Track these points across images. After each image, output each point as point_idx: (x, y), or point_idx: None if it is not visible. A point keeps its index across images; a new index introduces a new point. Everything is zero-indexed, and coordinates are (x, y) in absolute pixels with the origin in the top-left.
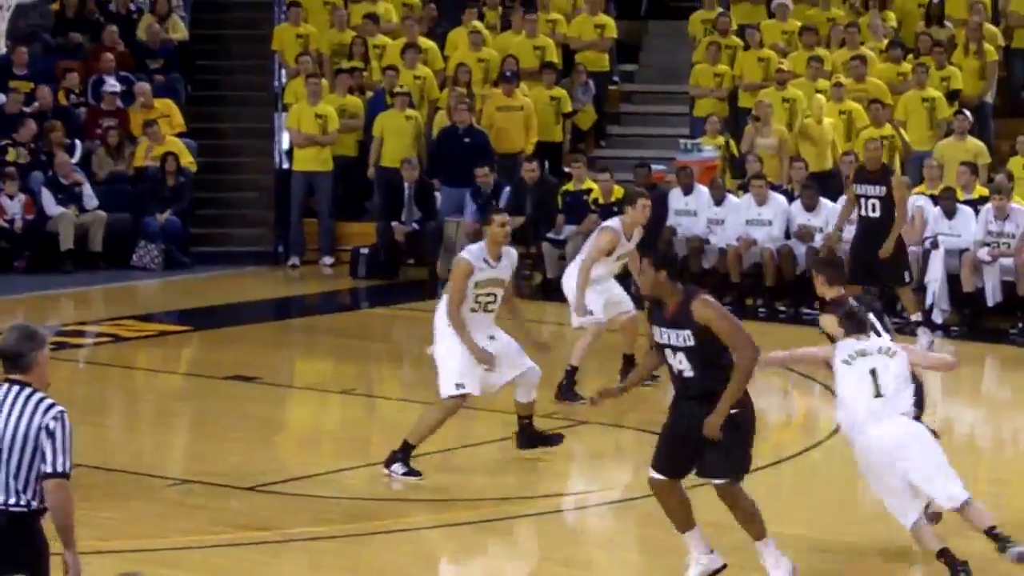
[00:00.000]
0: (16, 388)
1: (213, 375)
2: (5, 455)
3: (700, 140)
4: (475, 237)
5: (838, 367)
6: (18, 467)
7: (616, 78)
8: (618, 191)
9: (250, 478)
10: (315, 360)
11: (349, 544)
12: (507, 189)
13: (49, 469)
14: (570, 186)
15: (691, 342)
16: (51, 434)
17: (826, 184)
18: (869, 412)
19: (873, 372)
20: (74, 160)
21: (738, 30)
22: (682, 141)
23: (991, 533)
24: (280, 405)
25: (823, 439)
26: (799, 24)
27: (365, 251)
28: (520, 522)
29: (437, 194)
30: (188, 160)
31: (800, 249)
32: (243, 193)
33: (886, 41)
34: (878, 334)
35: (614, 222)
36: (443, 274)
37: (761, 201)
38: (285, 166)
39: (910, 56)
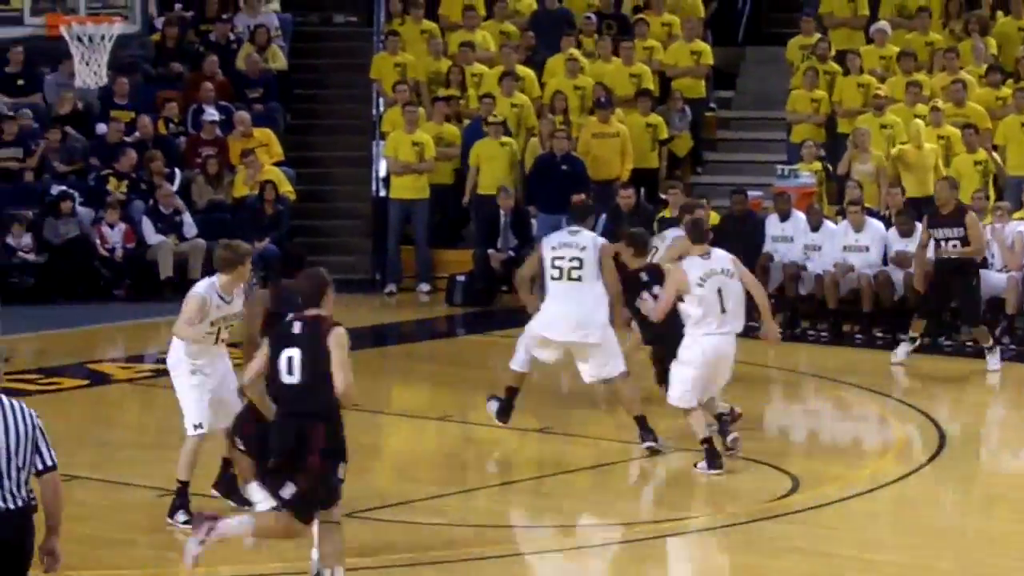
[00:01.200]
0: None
1: None
2: (12, 457)
3: (797, 166)
4: None
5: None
6: (25, 467)
7: (712, 104)
8: (714, 217)
9: (347, 505)
10: (411, 387)
11: (446, 571)
12: (603, 216)
13: (47, 462)
14: (666, 213)
15: None
16: (42, 432)
17: (924, 210)
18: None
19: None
20: (174, 189)
21: (836, 55)
22: (779, 167)
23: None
24: (377, 432)
25: (920, 466)
26: (897, 49)
27: (462, 278)
28: (615, 548)
29: (533, 221)
30: (287, 188)
31: (897, 275)
32: (340, 221)
33: (985, 66)
34: None
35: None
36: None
37: (858, 227)
38: (382, 194)
39: (1009, 81)
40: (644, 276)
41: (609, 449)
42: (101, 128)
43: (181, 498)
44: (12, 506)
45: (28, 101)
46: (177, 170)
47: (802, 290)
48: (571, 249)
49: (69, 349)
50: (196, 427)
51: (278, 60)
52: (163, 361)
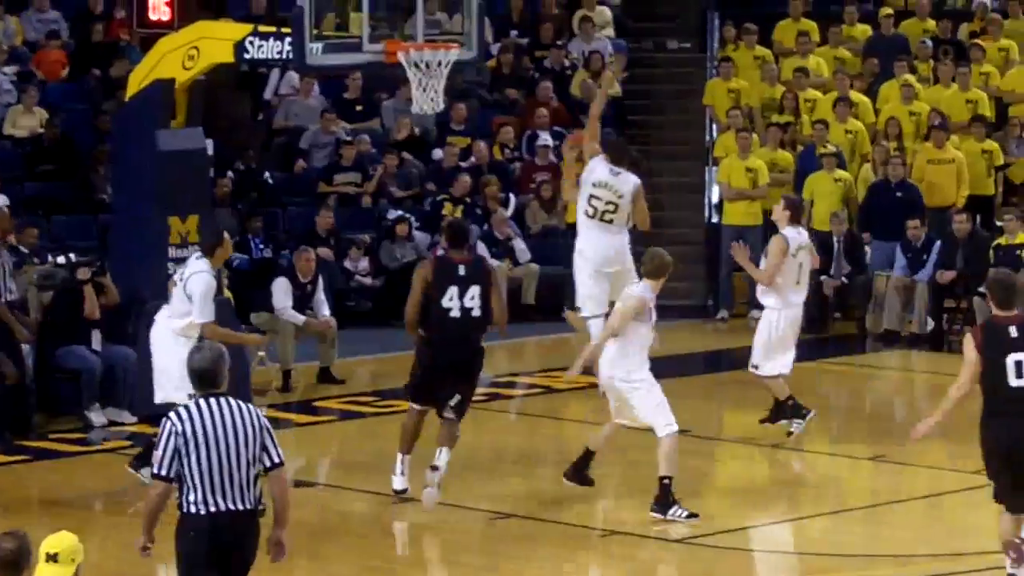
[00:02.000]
0: (217, 400)
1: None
2: (237, 463)
3: None
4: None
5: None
6: (249, 470)
7: None
8: None
9: (679, 531)
10: (744, 413)
11: None
12: (938, 243)
13: (275, 460)
14: (1003, 240)
15: None
16: (269, 431)
17: None
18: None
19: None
20: (508, 214)
21: None
22: None
23: None
24: (709, 458)
25: None
26: None
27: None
28: None
29: (867, 248)
30: None
31: None
32: (673, 247)
33: None
34: None
35: None
36: (874, 328)
37: None
38: (715, 220)
39: None
40: None
41: (943, 478)
42: (437, 153)
43: None
44: (241, 507)
45: (366, 127)
46: (511, 195)
47: None
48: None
49: (406, 372)
50: None
51: (612, 86)
52: (496, 384)
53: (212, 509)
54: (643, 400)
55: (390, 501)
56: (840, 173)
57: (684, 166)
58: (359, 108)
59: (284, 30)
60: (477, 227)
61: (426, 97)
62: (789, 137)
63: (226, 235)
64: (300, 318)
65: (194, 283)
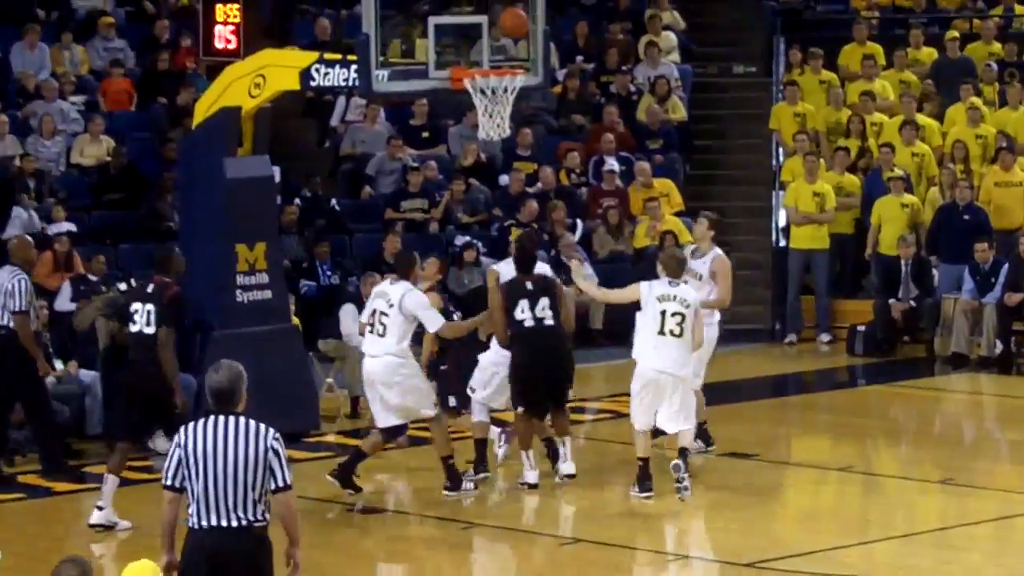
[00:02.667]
0: (233, 419)
1: (715, 451)
2: (235, 479)
3: None
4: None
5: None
6: (250, 488)
7: None
8: None
9: (748, 554)
10: (812, 437)
11: None
12: (1006, 266)
13: (279, 483)
14: None
15: None
16: (276, 453)
17: None
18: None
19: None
20: (575, 239)
21: None
22: None
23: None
24: (778, 481)
25: None
26: None
27: (862, 328)
28: None
29: (935, 271)
30: (687, 239)
31: None
32: (740, 271)
33: None
34: None
35: None
36: (942, 351)
37: None
38: (782, 244)
39: None
40: None
41: (1014, 501)
42: (504, 179)
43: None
44: (235, 524)
45: (433, 153)
46: (579, 220)
47: None
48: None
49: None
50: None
51: (678, 111)
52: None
53: (205, 524)
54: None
55: (459, 527)
56: (907, 197)
57: (750, 190)
58: (425, 135)
59: (350, 57)
60: (544, 252)
61: (492, 123)
62: (864, 163)
63: (416, 255)
64: None
65: (410, 301)
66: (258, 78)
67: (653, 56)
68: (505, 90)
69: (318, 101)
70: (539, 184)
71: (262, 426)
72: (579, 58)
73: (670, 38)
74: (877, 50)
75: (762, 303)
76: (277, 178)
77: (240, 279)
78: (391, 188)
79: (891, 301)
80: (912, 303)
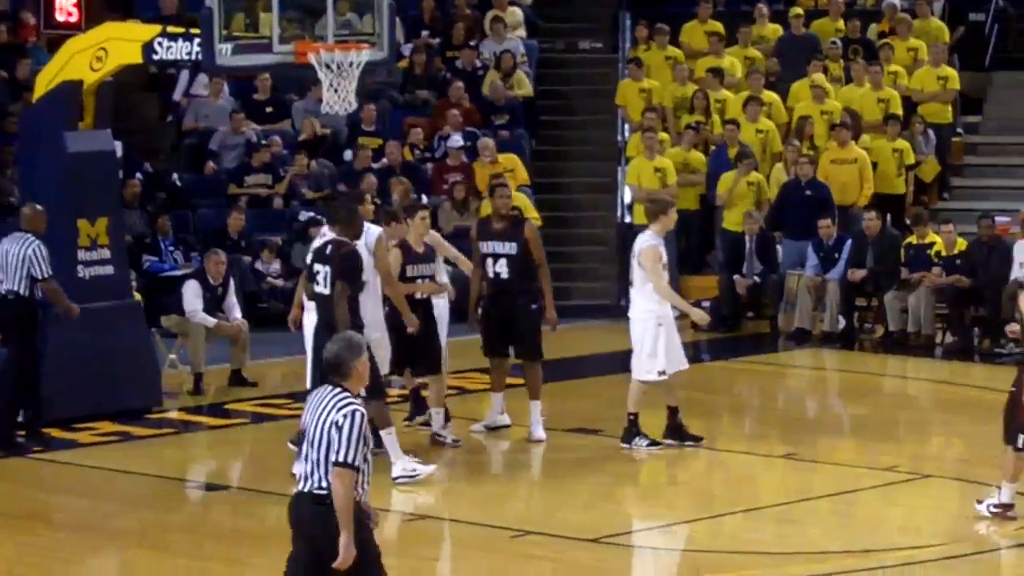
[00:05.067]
0: (329, 388)
1: (557, 427)
2: (312, 445)
3: None
4: None
5: None
6: (319, 456)
7: (959, 130)
8: (961, 243)
9: (594, 530)
10: (657, 413)
11: None
12: (848, 242)
13: (333, 457)
14: (913, 239)
15: None
16: (339, 428)
17: None
18: None
19: None
20: None
21: None
22: None
23: None
24: (625, 458)
25: None
26: None
27: (707, 304)
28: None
29: (779, 247)
30: (533, 215)
31: None
32: (585, 247)
33: None
34: None
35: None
36: (785, 326)
37: None
38: (627, 220)
39: None
40: None
41: (855, 475)
42: (348, 154)
43: None
44: (303, 489)
45: (277, 128)
46: (424, 196)
47: None
48: None
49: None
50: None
51: (524, 87)
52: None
53: (296, 488)
54: None
55: None
56: (754, 176)
57: (596, 166)
58: (269, 109)
59: (193, 31)
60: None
61: (337, 98)
62: (701, 138)
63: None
64: (211, 321)
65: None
66: (100, 51)
67: (499, 31)
68: (350, 65)
69: (161, 75)
70: (384, 159)
71: (343, 400)
72: (425, 33)
73: (516, 13)
74: (718, 27)
75: (608, 279)
76: (119, 153)
77: (81, 254)
78: (234, 163)
79: (735, 277)
80: (756, 279)
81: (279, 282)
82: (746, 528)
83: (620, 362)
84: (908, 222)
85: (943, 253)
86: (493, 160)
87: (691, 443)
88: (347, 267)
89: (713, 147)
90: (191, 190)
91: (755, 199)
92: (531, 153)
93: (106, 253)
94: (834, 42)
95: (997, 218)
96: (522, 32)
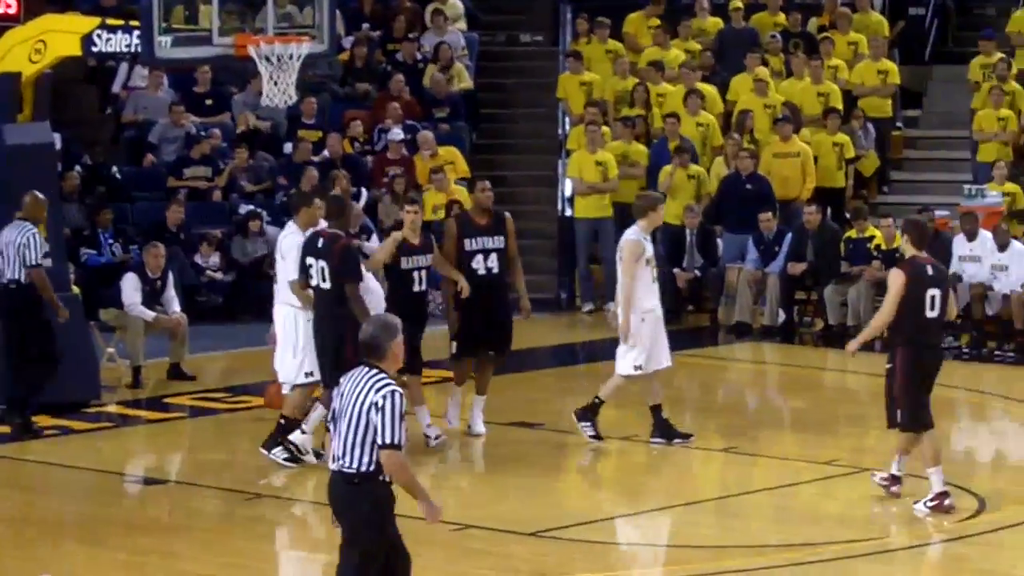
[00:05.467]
0: (365, 370)
1: (498, 421)
2: (346, 425)
3: (985, 186)
4: None
5: None
6: (355, 437)
7: (899, 124)
8: (899, 238)
9: (534, 524)
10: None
11: None
12: (789, 235)
13: (380, 440)
14: (853, 232)
15: None
16: (379, 409)
17: None
18: None
19: None
20: (360, 207)
21: (1017, 74)
22: (966, 187)
23: None
24: (563, 451)
25: None
26: None
27: None
28: (801, 569)
29: (719, 240)
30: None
31: None
32: (526, 240)
33: None
34: None
35: None
36: (726, 320)
37: None
38: (568, 213)
39: None
40: None
41: (794, 469)
42: (288, 147)
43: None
44: (336, 469)
45: (217, 120)
46: (364, 189)
47: (989, 311)
48: None
49: (256, 368)
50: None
51: (464, 79)
52: None
53: (332, 467)
54: None
55: (241, 498)
56: (694, 169)
57: (537, 159)
58: (209, 102)
59: (132, 23)
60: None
61: (277, 91)
62: (641, 131)
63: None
64: (150, 314)
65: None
66: (39, 43)
67: (439, 24)
68: (290, 57)
69: (100, 67)
70: (325, 152)
71: (380, 382)
72: (365, 25)
73: (456, 6)
74: (657, 20)
75: (549, 272)
76: (58, 145)
77: None
78: (174, 156)
79: (676, 270)
80: (697, 272)
81: (218, 275)
82: (686, 522)
83: (559, 356)
84: (848, 216)
85: (882, 247)
86: (433, 153)
87: (680, 440)
88: (347, 265)
89: (655, 140)
90: (130, 183)
91: (695, 192)
92: (471, 146)
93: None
94: (773, 35)
95: (936, 212)
96: (462, 25)
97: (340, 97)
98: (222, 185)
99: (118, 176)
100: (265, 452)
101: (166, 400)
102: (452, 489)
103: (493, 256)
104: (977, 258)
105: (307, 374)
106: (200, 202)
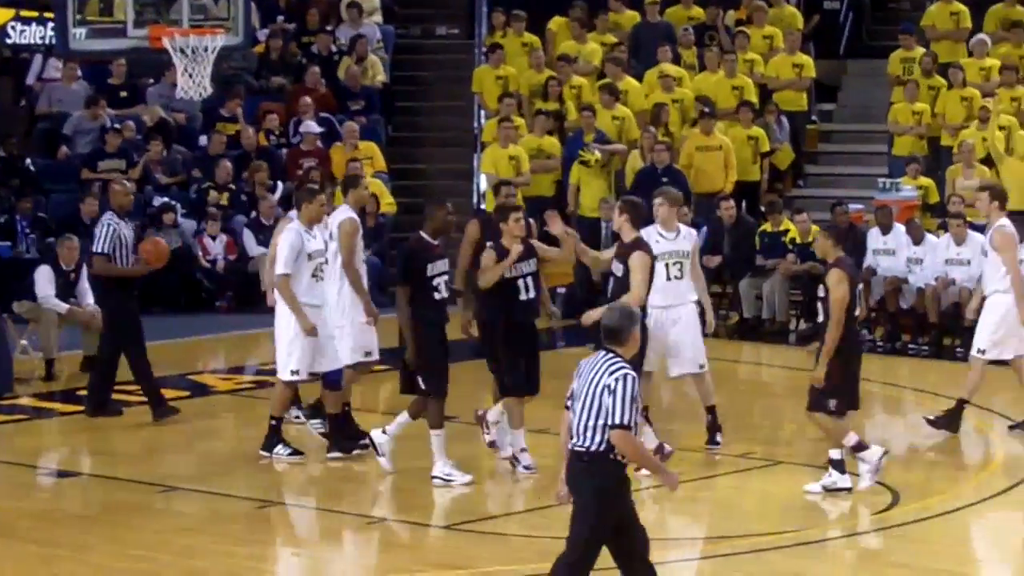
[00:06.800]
0: (603, 354)
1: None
2: (581, 406)
3: (900, 179)
4: None
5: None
6: (588, 418)
7: (814, 117)
8: (815, 230)
9: (447, 517)
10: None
11: None
12: (704, 228)
13: (610, 421)
14: (768, 226)
15: None
16: (612, 391)
17: None
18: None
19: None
20: (275, 200)
21: (938, 68)
22: (881, 180)
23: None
24: (472, 444)
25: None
26: (998, 62)
27: (562, 291)
28: (712, 562)
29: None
30: (388, 202)
31: None
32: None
33: None
34: None
35: None
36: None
37: (960, 240)
38: (483, 207)
39: None
40: None
41: (708, 462)
42: (203, 140)
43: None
44: (573, 447)
45: (131, 112)
46: (279, 182)
47: (903, 303)
48: None
49: (170, 360)
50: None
51: (379, 72)
52: (263, 372)
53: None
54: None
55: (154, 490)
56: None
57: (453, 153)
58: (123, 94)
59: (47, 15)
60: (244, 215)
61: (192, 83)
62: (556, 124)
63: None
64: (63, 306)
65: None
66: None
67: (355, 17)
68: (205, 50)
69: (14, 59)
70: (241, 145)
71: (614, 365)
72: (280, 18)
73: None
74: (580, 15)
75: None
76: None
77: None
78: (88, 148)
79: None
80: None
81: None
82: None
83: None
84: (763, 209)
85: (797, 240)
86: (355, 145)
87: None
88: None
89: (570, 133)
90: (44, 175)
91: (610, 183)
92: (387, 139)
93: None
94: (686, 29)
95: (851, 206)
96: (378, 18)
97: (255, 90)
98: (136, 178)
99: (32, 168)
100: (267, 454)
101: (80, 392)
102: (366, 482)
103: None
104: (891, 252)
105: (292, 372)
106: None
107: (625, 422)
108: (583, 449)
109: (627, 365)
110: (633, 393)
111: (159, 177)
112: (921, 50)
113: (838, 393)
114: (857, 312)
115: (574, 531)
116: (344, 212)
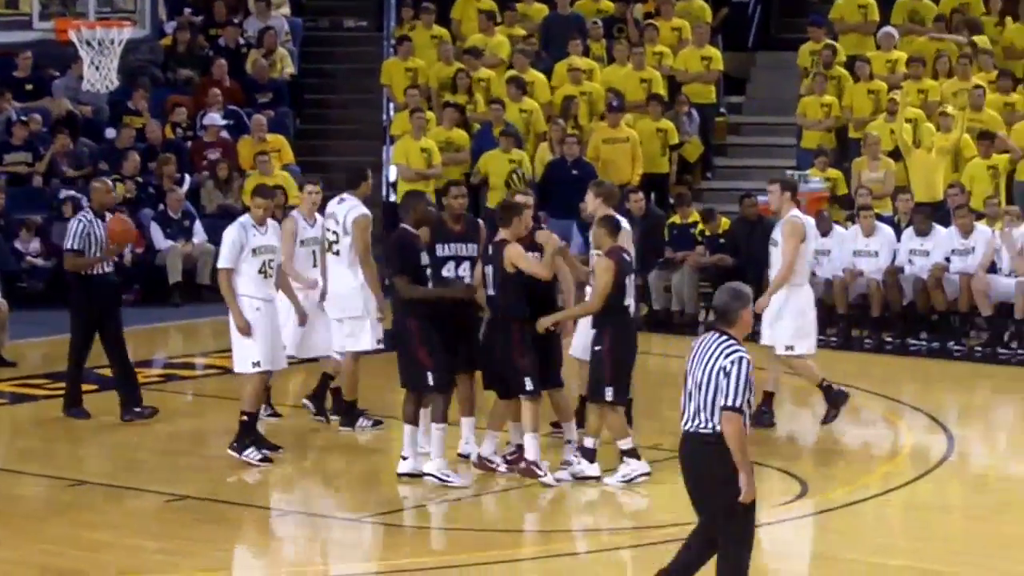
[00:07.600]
0: (715, 335)
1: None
2: (699, 389)
3: (808, 171)
4: None
5: None
6: (706, 399)
7: (723, 110)
8: (724, 223)
9: (360, 509)
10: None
11: (457, 574)
12: None
13: (721, 402)
14: (676, 218)
15: None
16: (727, 374)
17: (934, 215)
18: None
19: None
20: (183, 192)
21: (846, 61)
22: (789, 172)
23: None
24: (392, 437)
25: (930, 470)
26: (904, 55)
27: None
28: (623, 553)
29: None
30: (295, 195)
31: (906, 280)
32: None
33: (996, 72)
34: None
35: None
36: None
37: (868, 232)
38: (392, 199)
39: (1020, 87)
40: None
41: (616, 454)
42: (110, 133)
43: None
44: (688, 428)
45: (37, 105)
46: (187, 175)
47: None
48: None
49: None
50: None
51: (287, 65)
52: (172, 366)
53: (682, 428)
54: None
55: (64, 485)
56: (516, 154)
57: (362, 145)
58: (29, 87)
59: None
60: (151, 209)
61: (99, 75)
62: (464, 117)
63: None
64: None
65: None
66: None
67: (262, 9)
68: (112, 42)
69: None
70: (148, 138)
71: (730, 347)
72: (187, 10)
73: None
74: (491, 5)
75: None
76: None
77: None
78: None
79: None
80: None
81: (39, 261)
82: (506, 507)
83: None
84: (672, 201)
85: (706, 232)
86: (262, 138)
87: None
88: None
89: (477, 126)
90: None
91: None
92: (296, 132)
93: None
94: (595, 22)
95: (759, 197)
96: (286, 10)
97: (162, 82)
98: (42, 171)
99: None
100: (235, 454)
101: None
102: (272, 474)
103: (465, 264)
104: None
105: (254, 363)
106: (20, 187)
107: (737, 404)
108: (709, 431)
109: (742, 347)
110: (748, 376)
111: (66, 170)
112: (827, 42)
113: (612, 383)
114: (628, 303)
115: (722, 524)
116: (357, 207)
